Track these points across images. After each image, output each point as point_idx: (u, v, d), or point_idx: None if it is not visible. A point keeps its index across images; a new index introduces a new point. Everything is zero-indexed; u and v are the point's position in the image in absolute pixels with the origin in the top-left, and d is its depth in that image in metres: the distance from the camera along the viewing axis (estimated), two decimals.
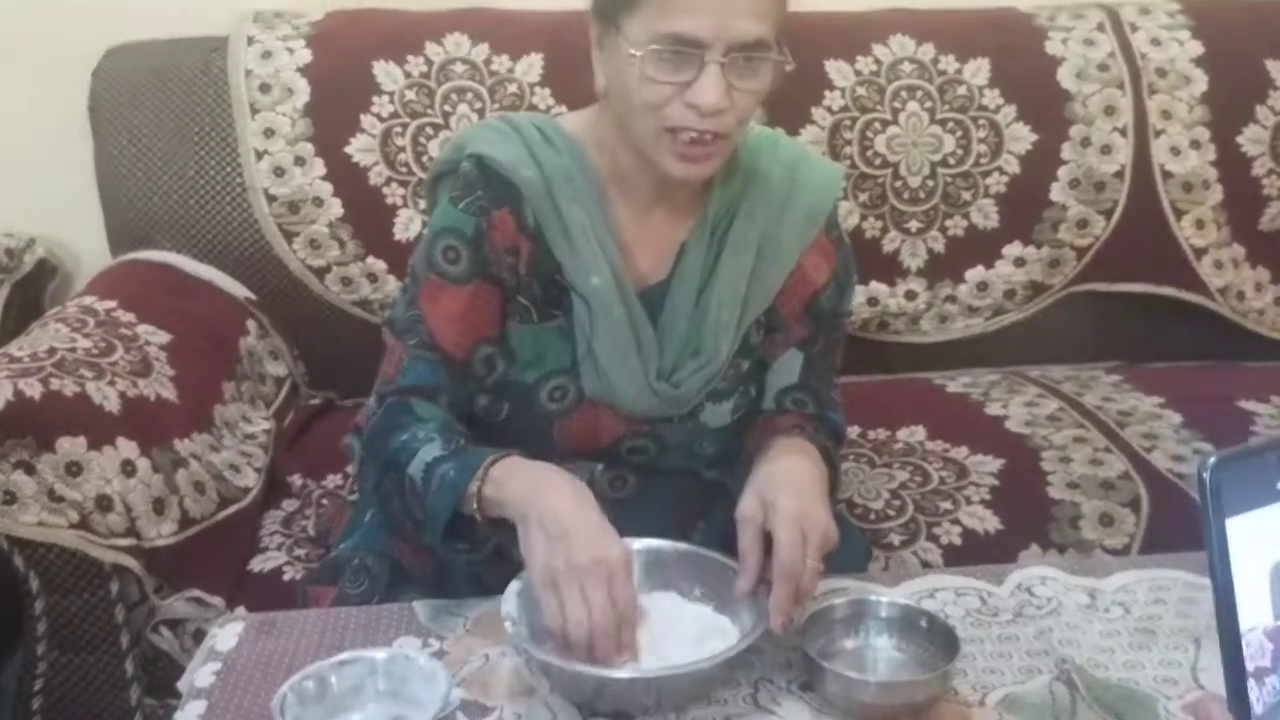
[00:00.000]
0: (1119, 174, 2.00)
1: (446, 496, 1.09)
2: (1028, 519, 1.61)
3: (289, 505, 1.65)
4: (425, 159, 1.86)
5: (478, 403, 1.24)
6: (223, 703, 1.03)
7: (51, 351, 1.48)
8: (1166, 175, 2.01)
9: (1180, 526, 1.58)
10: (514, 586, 1.06)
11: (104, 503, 1.39)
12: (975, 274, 2.01)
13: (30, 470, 1.36)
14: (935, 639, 1.06)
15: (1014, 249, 2.01)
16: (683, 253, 1.23)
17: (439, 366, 1.19)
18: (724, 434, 1.29)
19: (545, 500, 1.04)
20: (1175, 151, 2.01)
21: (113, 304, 1.67)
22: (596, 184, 1.21)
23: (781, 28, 1.12)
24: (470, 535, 1.11)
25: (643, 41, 1.08)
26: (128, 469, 1.41)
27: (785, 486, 1.08)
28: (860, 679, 1.02)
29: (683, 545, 1.14)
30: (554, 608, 1.00)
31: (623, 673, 1.00)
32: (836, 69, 1.95)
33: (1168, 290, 2.04)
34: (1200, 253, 2.03)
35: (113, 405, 1.45)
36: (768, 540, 1.06)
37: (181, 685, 1.08)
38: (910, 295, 2.00)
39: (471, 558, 1.14)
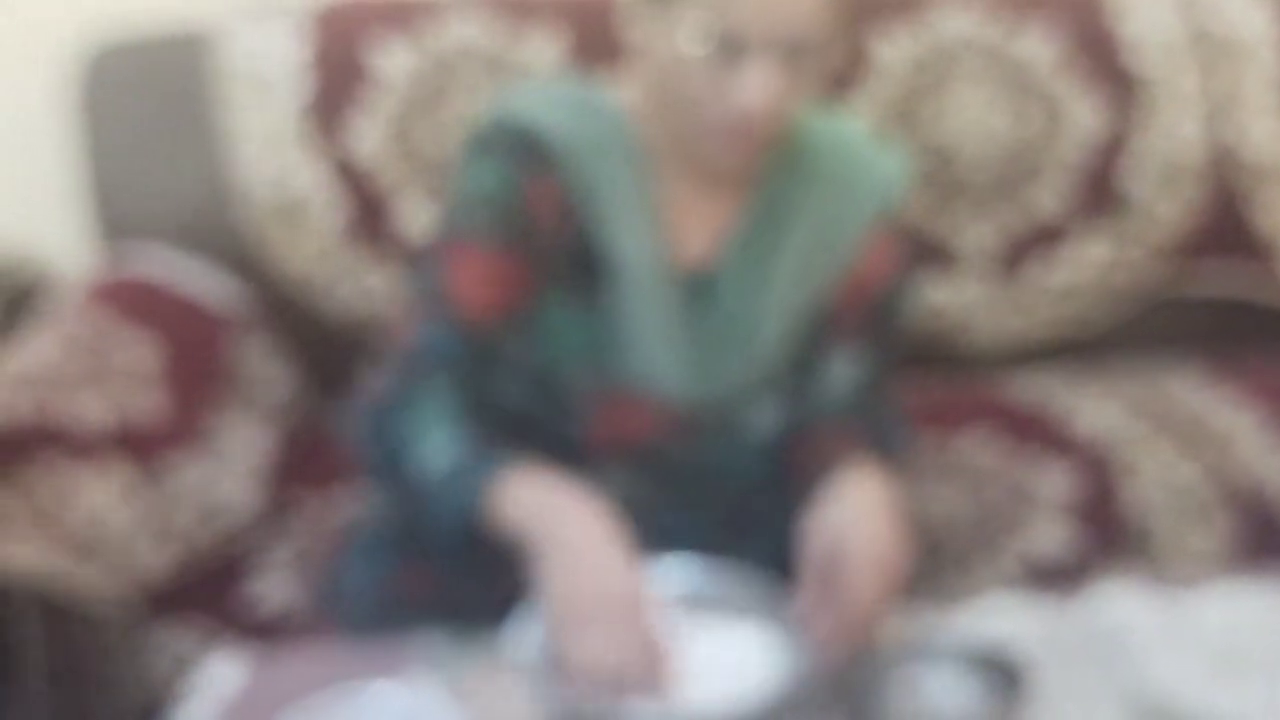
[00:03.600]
0: (1197, 160, 1.93)
1: (452, 507, 1.09)
2: (1100, 537, 1.58)
3: (293, 531, 1.63)
4: (441, 154, 1.82)
5: (497, 391, 1.23)
6: None
7: (36, 368, 1.48)
8: (1247, 163, 1.94)
9: (1270, 544, 1.58)
10: (528, 622, 1.06)
11: (94, 530, 1.39)
12: (1035, 268, 1.96)
13: (13, 496, 1.36)
14: (994, 674, 1.04)
15: (1080, 241, 1.95)
16: (730, 237, 1.23)
17: (456, 334, 1.18)
18: (766, 451, 1.28)
19: (559, 527, 1.04)
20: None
21: (100, 316, 1.66)
22: (639, 155, 1.21)
23: (839, 22, 1.11)
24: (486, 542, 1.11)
25: (689, 32, 1.08)
26: (120, 494, 1.41)
27: (863, 523, 1.08)
28: None
29: (718, 561, 1.13)
30: (573, 647, 1.00)
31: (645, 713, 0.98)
32: (879, 45, 1.91)
33: (1249, 294, 1.99)
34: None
35: (103, 426, 1.44)
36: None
37: None
38: (962, 291, 1.95)
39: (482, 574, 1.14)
